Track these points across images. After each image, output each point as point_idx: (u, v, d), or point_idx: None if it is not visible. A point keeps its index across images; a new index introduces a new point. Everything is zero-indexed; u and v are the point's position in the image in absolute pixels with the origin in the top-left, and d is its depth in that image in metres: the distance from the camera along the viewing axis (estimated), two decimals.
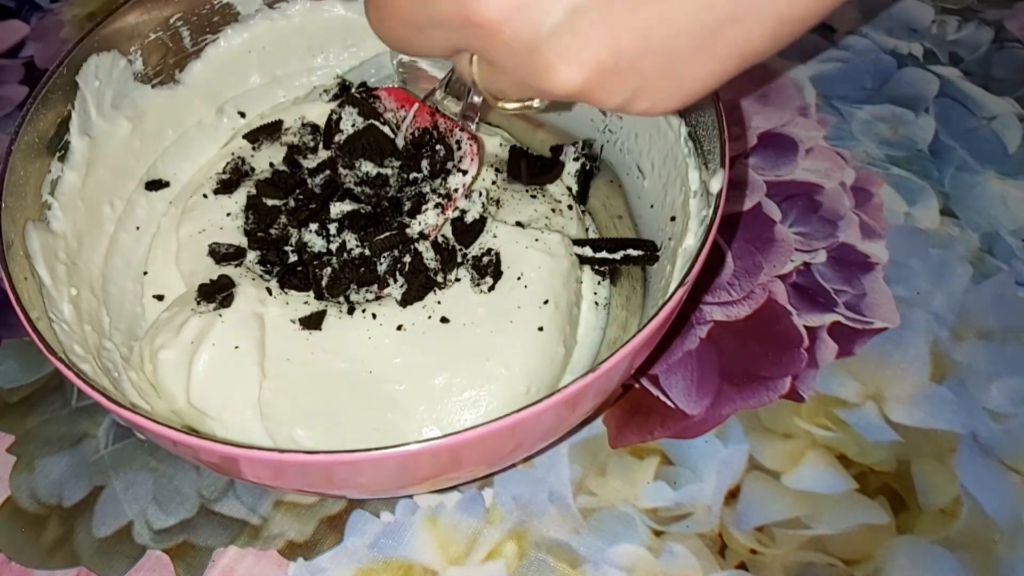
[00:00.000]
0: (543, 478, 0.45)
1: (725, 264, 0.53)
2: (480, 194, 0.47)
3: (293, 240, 0.46)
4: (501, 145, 0.51)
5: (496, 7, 0.27)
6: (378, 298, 0.44)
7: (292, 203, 0.47)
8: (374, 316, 0.43)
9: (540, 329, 0.43)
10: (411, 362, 0.42)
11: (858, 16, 0.66)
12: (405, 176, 0.46)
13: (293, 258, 0.46)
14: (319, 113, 0.52)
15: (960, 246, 0.53)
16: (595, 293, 0.48)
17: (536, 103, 0.34)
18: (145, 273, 0.48)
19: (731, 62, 0.29)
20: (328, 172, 0.47)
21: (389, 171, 0.46)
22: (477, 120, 0.49)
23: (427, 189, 0.45)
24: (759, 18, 0.27)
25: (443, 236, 0.45)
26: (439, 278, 0.43)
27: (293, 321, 0.43)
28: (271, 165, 0.50)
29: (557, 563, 0.42)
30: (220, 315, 0.43)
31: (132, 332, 0.46)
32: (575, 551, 0.43)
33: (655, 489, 0.44)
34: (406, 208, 0.45)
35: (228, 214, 0.48)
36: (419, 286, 0.43)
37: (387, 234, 0.44)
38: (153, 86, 0.50)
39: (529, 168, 0.49)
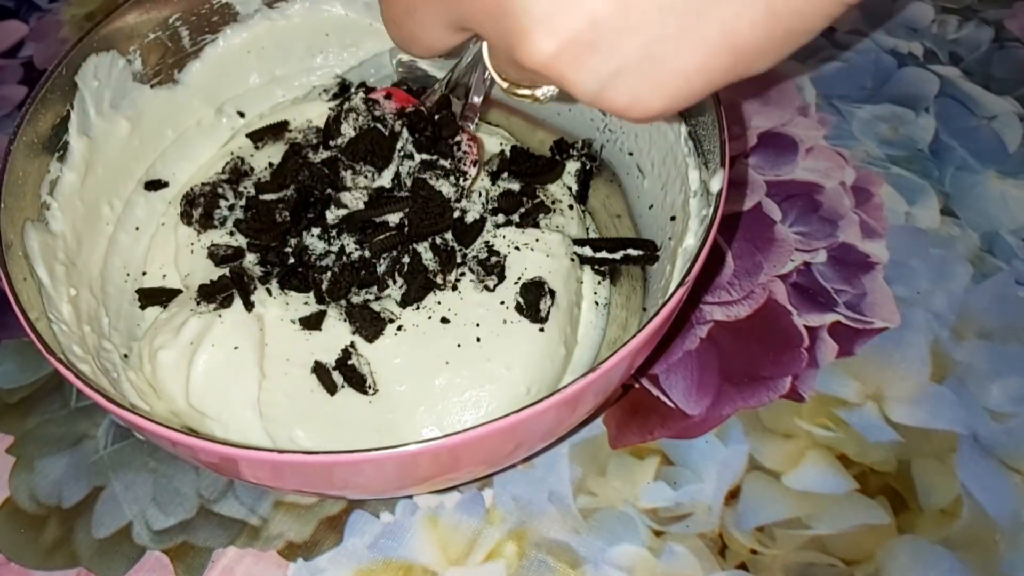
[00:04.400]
0: (543, 478, 0.45)
1: (725, 264, 0.53)
2: (480, 194, 0.47)
3: (293, 243, 0.46)
4: (501, 145, 0.51)
5: None
6: (378, 299, 0.44)
7: (291, 203, 0.47)
8: None
9: (541, 329, 0.42)
10: (411, 363, 0.42)
11: (858, 16, 0.66)
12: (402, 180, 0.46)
13: (292, 260, 0.46)
14: (318, 113, 0.52)
15: (960, 246, 0.53)
16: (595, 293, 0.48)
17: (542, 92, 0.32)
18: (144, 273, 0.48)
19: (720, 54, 0.26)
20: (328, 173, 0.47)
21: (389, 173, 0.46)
22: (476, 121, 0.49)
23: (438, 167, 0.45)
24: (746, 3, 0.26)
25: (442, 237, 0.45)
26: (438, 279, 0.43)
27: (293, 321, 0.43)
28: (271, 165, 0.50)
29: (557, 563, 0.42)
30: (220, 315, 0.43)
31: (131, 332, 0.46)
32: (575, 551, 0.43)
33: (655, 489, 0.44)
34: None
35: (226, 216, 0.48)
36: (418, 287, 0.43)
37: (386, 235, 0.44)
38: (152, 86, 0.50)
39: (529, 168, 0.49)
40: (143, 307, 0.47)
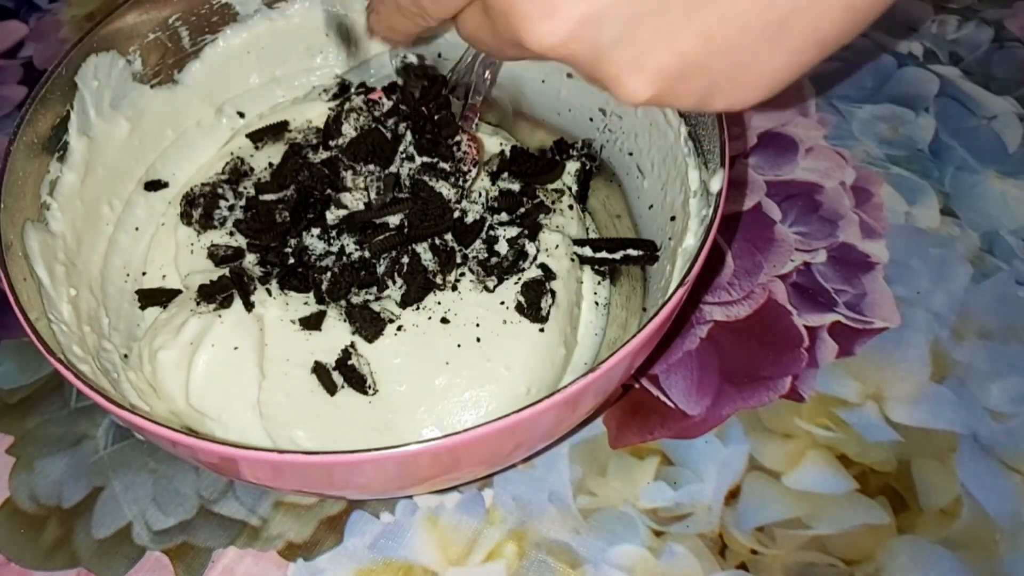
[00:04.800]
0: (543, 478, 0.45)
1: (725, 264, 0.53)
2: (480, 194, 0.47)
3: (293, 243, 0.46)
4: (501, 145, 0.51)
5: (552, 35, 0.27)
6: (378, 299, 0.44)
7: (291, 204, 0.47)
8: None
9: (541, 330, 0.42)
10: (411, 363, 0.42)
11: None
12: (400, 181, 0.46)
13: (292, 260, 0.46)
14: (318, 113, 0.52)
15: (960, 245, 0.53)
16: (595, 293, 0.48)
17: None
18: (144, 274, 0.48)
19: (805, 52, 0.28)
20: (328, 173, 0.47)
21: (390, 173, 0.46)
22: (476, 120, 0.49)
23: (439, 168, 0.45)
24: (826, 6, 0.27)
25: (441, 238, 0.45)
26: (438, 279, 0.43)
27: (293, 322, 0.43)
28: (270, 165, 0.50)
29: (557, 563, 0.42)
30: (219, 316, 0.43)
31: (131, 333, 0.46)
32: (575, 551, 0.43)
33: (655, 489, 0.44)
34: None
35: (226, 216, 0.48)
36: (418, 287, 0.43)
37: (385, 235, 0.44)
38: (152, 86, 0.50)
39: (529, 168, 0.49)
40: (143, 307, 0.47)
